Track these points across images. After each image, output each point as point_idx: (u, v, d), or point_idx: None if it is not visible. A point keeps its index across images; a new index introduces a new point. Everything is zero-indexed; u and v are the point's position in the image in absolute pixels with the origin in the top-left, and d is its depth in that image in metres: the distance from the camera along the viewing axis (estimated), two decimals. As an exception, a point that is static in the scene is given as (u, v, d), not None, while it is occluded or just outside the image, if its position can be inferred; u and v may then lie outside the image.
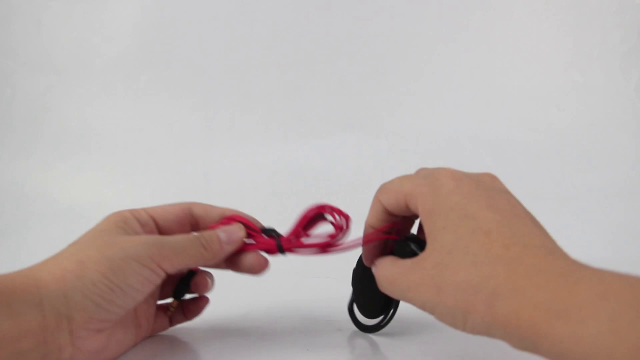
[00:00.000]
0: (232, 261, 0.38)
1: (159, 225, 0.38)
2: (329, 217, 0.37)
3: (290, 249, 0.37)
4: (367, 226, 0.36)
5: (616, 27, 0.87)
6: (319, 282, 0.51)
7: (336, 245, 0.37)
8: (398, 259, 0.33)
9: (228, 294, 0.52)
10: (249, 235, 0.38)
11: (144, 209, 0.38)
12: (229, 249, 0.36)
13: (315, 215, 0.37)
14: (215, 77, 0.90)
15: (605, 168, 0.81)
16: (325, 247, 0.37)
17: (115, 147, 0.88)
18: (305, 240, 0.37)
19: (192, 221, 0.39)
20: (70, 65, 0.91)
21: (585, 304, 0.24)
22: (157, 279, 0.33)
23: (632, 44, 0.87)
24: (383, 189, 0.36)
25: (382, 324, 0.38)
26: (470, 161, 0.84)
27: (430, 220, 0.32)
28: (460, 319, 0.28)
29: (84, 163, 0.87)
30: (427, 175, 0.35)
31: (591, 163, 0.82)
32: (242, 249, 0.37)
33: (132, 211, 0.37)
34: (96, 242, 0.33)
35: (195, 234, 0.36)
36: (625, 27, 0.87)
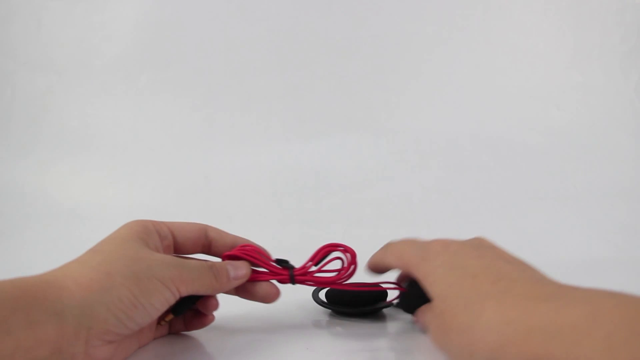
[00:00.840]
0: (245, 289, 0.40)
1: (176, 241, 0.39)
2: (341, 255, 0.41)
3: (302, 281, 0.40)
4: (372, 264, 0.41)
5: (616, 27, 0.87)
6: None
7: (343, 281, 0.40)
8: (428, 306, 0.36)
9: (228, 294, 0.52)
10: (263, 265, 0.40)
11: (165, 223, 0.39)
12: (235, 283, 0.38)
13: (327, 253, 0.41)
14: (215, 77, 0.90)
15: (605, 168, 0.81)
16: (333, 283, 0.40)
17: (115, 147, 0.88)
18: (316, 275, 0.40)
19: (205, 243, 0.41)
20: (70, 65, 0.91)
21: (579, 324, 0.24)
22: (173, 300, 0.34)
23: (632, 44, 0.87)
24: (388, 249, 0.40)
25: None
26: (470, 161, 0.84)
27: (426, 282, 0.35)
28: (467, 358, 0.30)
29: (84, 163, 0.87)
30: (420, 247, 0.38)
31: (591, 163, 0.82)
32: (256, 278, 0.39)
33: (154, 223, 0.38)
34: (122, 254, 0.34)
35: (208, 262, 0.37)
36: (625, 27, 0.87)
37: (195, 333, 0.40)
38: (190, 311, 0.40)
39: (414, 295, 0.39)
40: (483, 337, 0.28)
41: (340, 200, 0.79)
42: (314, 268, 0.40)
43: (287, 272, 0.40)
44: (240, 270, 0.38)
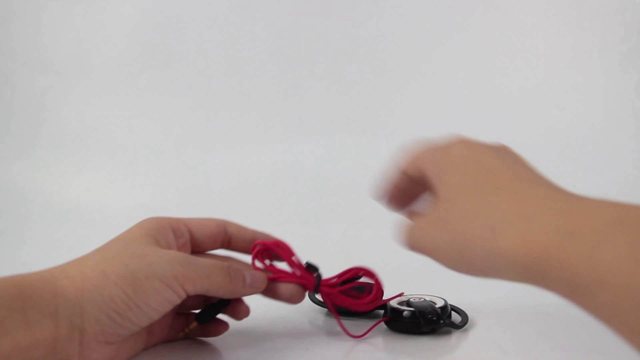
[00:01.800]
0: (269, 289, 0.38)
1: (194, 238, 0.38)
2: (368, 280, 0.40)
3: (324, 293, 0.39)
4: (389, 182, 0.37)
5: (616, 27, 0.87)
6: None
7: (362, 309, 0.39)
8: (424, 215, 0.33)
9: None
10: (292, 265, 0.39)
11: (182, 220, 0.37)
12: (249, 292, 0.37)
13: (356, 275, 0.40)
14: (215, 77, 0.90)
15: (605, 168, 0.81)
16: (352, 306, 0.39)
17: (115, 147, 0.88)
18: (341, 293, 0.39)
19: (225, 238, 0.39)
20: (70, 65, 0.91)
21: (602, 228, 0.22)
22: (177, 300, 0.32)
23: (632, 44, 0.87)
24: (405, 154, 0.36)
25: None
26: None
27: (437, 170, 0.31)
28: (459, 252, 0.27)
29: (84, 163, 0.87)
30: (441, 142, 0.35)
31: (591, 163, 0.82)
32: (280, 277, 0.38)
33: (170, 220, 0.36)
34: (123, 252, 0.32)
35: (225, 263, 0.35)
36: (625, 27, 0.87)
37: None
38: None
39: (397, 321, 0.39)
40: (491, 228, 0.25)
41: (340, 200, 0.78)
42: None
43: (314, 280, 0.38)
44: (257, 282, 0.37)
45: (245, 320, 0.40)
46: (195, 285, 0.33)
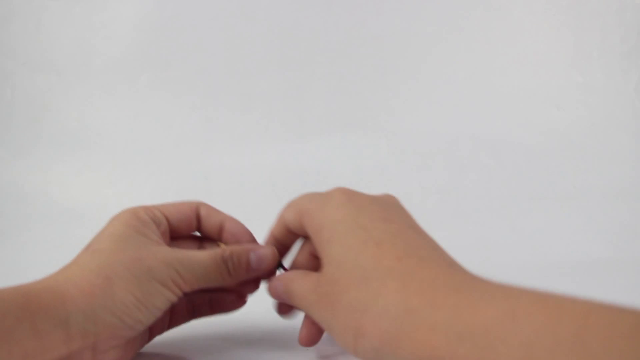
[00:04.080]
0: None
1: (171, 224, 0.37)
2: None
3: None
4: (271, 236, 0.36)
5: (616, 27, 0.87)
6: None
7: None
8: (309, 272, 0.32)
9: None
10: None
11: (157, 207, 0.36)
12: (254, 275, 0.35)
13: None
14: (215, 77, 0.90)
15: (605, 168, 0.81)
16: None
17: (115, 147, 0.88)
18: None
19: (198, 220, 0.38)
20: (70, 65, 0.91)
21: (493, 326, 0.21)
22: (176, 299, 0.33)
23: (632, 44, 0.87)
24: (287, 205, 0.35)
25: None
26: (471, 161, 0.84)
27: (318, 236, 0.30)
28: (351, 342, 0.26)
29: (84, 163, 0.87)
30: (321, 194, 0.33)
31: (591, 163, 0.82)
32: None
33: (146, 210, 0.35)
34: (122, 256, 0.32)
35: (224, 253, 0.34)
36: (625, 27, 0.87)
37: (195, 333, 0.40)
38: (217, 292, 0.37)
39: None
40: (376, 322, 0.24)
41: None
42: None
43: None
44: (265, 260, 0.35)
45: (244, 319, 0.40)
46: (192, 286, 0.33)
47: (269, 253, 0.35)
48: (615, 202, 0.75)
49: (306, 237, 0.35)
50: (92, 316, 0.29)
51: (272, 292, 0.35)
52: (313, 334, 0.34)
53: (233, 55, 0.90)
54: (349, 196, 0.31)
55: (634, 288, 0.52)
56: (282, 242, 0.36)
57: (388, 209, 0.30)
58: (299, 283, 0.31)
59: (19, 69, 0.91)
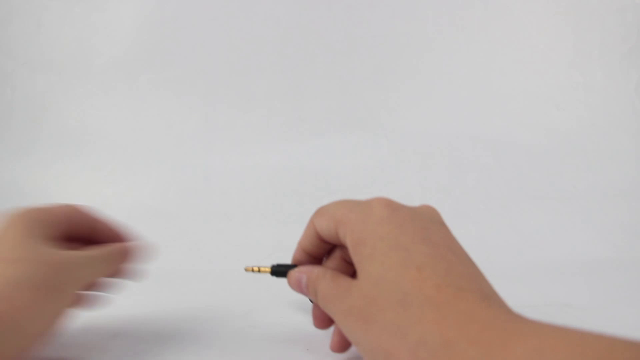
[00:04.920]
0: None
1: (60, 227, 0.36)
2: None
3: None
4: (299, 248, 0.36)
5: (616, 27, 0.87)
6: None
7: None
8: (340, 274, 0.32)
9: (228, 293, 0.52)
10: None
11: (48, 210, 0.36)
12: (135, 262, 0.38)
13: None
14: (215, 77, 0.90)
15: (605, 168, 0.81)
16: None
17: (115, 147, 0.88)
18: None
19: (80, 223, 0.38)
20: (70, 65, 0.91)
21: None
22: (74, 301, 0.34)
23: (632, 44, 0.87)
24: (319, 212, 0.34)
25: None
26: (471, 161, 0.84)
27: (357, 250, 0.29)
28: None
29: (84, 163, 0.87)
30: (361, 203, 0.32)
31: (591, 163, 0.82)
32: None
33: (39, 212, 0.35)
34: (38, 265, 0.32)
35: (105, 250, 0.36)
36: (625, 27, 0.87)
37: (195, 333, 0.40)
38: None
39: None
40: (412, 350, 0.24)
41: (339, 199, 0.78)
42: None
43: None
44: (124, 253, 0.37)
45: (245, 319, 0.40)
46: (88, 288, 0.36)
47: (118, 247, 0.37)
48: (615, 202, 0.75)
49: (338, 246, 0.34)
50: (19, 329, 0.29)
51: (293, 283, 0.35)
52: (344, 342, 0.34)
53: (233, 55, 0.90)
54: (390, 210, 0.30)
55: (634, 288, 0.52)
56: (313, 252, 0.35)
57: (429, 227, 0.30)
58: (328, 284, 0.31)
59: (19, 69, 0.91)
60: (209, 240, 0.72)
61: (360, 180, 0.81)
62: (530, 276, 0.56)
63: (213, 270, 0.61)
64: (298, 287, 0.34)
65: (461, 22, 0.89)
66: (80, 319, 0.39)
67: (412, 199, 0.78)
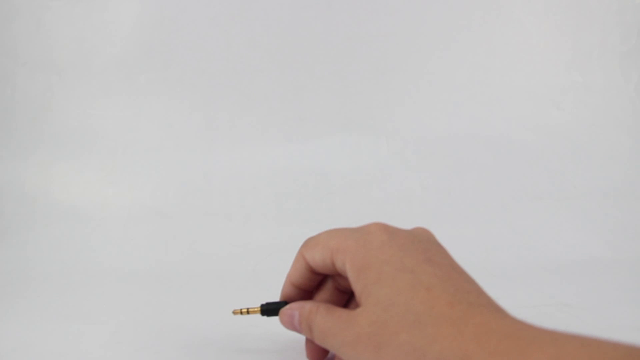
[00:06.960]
0: None
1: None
2: None
3: None
4: (288, 283, 0.35)
5: (616, 27, 0.87)
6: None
7: None
8: (334, 307, 0.31)
9: (227, 294, 0.52)
10: None
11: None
12: None
13: None
14: (215, 77, 0.90)
15: (605, 168, 0.81)
16: None
17: (115, 147, 0.88)
18: None
19: None
20: (70, 65, 0.91)
21: None
22: None
23: (632, 44, 0.87)
24: (308, 243, 0.34)
25: None
26: (470, 161, 0.84)
27: (361, 276, 0.29)
28: None
29: (85, 163, 0.87)
30: (356, 230, 0.32)
31: (591, 163, 0.82)
32: None
33: None
34: None
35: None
36: (625, 27, 0.87)
37: (195, 333, 0.40)
38: None
39: None
40: None
41: (340, 200, 0.78)
42: None
43: None
44: None
45: (245, 319, 0.40)
46: None
47: None
48: (615, 202, 0.75)
49: (330, 276, 0.34)
50: None
51: (285, 322, 0.34)
52: (320, 352, 0.34)
53: (233, 55, 0.90)
54: (389, 234, 0.30)
55: (634, 288, 0.52)
56: (303, 286, 0.35)
57: (430, 248, 0.30)
58: (324, 318, 0.30)
59: (19, 69, 0.91)
60: (209, 240, 0.72)
61: (360, 180, 0.81)
62: (530, 276, 0.56)
63: (213, 270, 0.61)
64: (291, 325, 0.34)
65: (461, 22, 0.89)
66: (81, 319, 0.39)
67: (411, 198, 0.78)
